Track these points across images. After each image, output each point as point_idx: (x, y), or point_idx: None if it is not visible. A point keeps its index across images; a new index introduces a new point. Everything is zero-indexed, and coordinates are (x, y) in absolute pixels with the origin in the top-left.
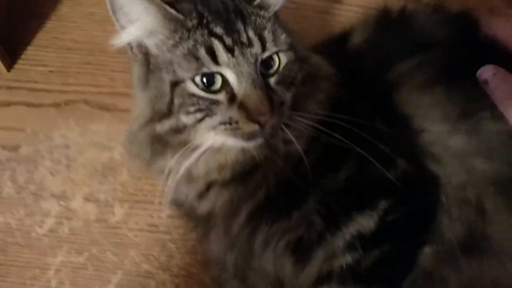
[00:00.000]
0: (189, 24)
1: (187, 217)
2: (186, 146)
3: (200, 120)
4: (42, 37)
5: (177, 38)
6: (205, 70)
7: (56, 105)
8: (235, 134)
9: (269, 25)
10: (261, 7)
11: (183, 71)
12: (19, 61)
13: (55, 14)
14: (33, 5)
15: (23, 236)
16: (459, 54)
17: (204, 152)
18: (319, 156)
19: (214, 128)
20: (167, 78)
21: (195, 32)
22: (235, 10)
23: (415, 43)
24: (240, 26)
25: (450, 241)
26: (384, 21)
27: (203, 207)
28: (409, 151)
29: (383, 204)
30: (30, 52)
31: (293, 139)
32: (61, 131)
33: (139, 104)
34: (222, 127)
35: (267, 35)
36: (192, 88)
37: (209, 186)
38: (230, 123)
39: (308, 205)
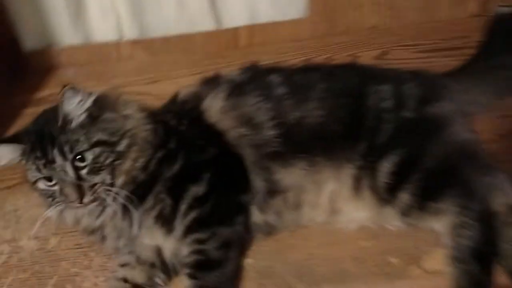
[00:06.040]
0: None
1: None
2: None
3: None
4: None
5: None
6: (39, 176)
7: (8, 187)
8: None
9: (71, 137)
10: (63, 126)
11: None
12: None
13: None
14: None
15: None
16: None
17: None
18: (160, 159)
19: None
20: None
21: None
22: (48, 135)
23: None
24: (49, 148)
25: (261, 190)
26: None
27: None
28: (216, 142)
29: (206, 175)
30: None
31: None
32: (11, 201)
33: None
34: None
35: (66, 148)
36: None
37: None
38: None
39: (156, 188)
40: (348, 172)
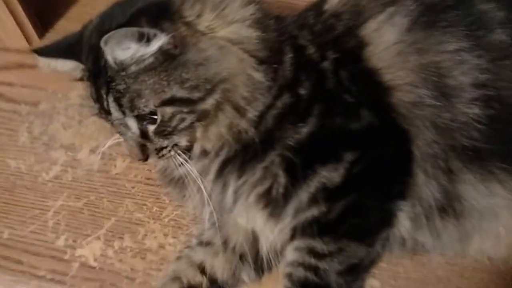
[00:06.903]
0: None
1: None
2: None
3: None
4: (74, 12)
5: None
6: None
7: None
8: None
9: (131, 86)
10: (119, 70)
11: None
12: (51, 31)
13: None
14: None
15: (30, 180)
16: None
17: None
18: (282, 112)
19: None
20: None
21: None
22: (103, 72)
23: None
24: (103, 93)
25: (427, 201)
26: None
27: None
28: (375, 104)
29: (348, 156)
30: (61, 23)
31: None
32: (78, 91)
33: None
34: None
35: (124, 101)
36: None
37: None
38: None
39: (269, 158)
40: None
